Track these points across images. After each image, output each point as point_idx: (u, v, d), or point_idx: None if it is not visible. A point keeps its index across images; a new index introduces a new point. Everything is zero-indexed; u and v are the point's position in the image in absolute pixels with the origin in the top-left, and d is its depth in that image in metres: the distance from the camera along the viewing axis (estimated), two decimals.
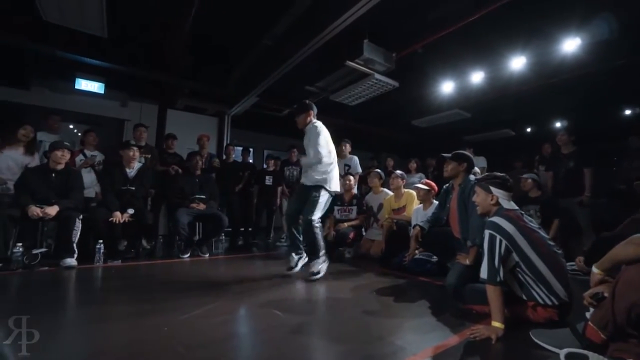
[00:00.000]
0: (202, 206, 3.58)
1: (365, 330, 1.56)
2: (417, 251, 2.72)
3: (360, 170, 4.53)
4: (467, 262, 1.98)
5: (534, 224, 1.65)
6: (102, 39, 3.48)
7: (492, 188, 1.73)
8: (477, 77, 4.38)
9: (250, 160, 5.38)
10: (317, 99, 5.24)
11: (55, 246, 2.95)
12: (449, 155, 2.40)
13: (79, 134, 4.63)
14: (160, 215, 4.22)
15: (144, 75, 4.41)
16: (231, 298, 2.03)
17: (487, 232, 1.57)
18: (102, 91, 4.56)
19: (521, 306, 1.61)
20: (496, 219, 1.58)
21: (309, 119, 2.77)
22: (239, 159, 4.98)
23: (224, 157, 4.82)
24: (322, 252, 2.59)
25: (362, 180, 4.81)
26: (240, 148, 5.28)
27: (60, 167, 2.93)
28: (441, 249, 2.56)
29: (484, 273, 1.53)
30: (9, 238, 2.64)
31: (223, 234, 4.32)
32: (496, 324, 1.44)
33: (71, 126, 5.57)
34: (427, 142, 7.21)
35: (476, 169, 2.81)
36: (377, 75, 4.07)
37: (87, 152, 3.70)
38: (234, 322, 1.70)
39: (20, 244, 2.63)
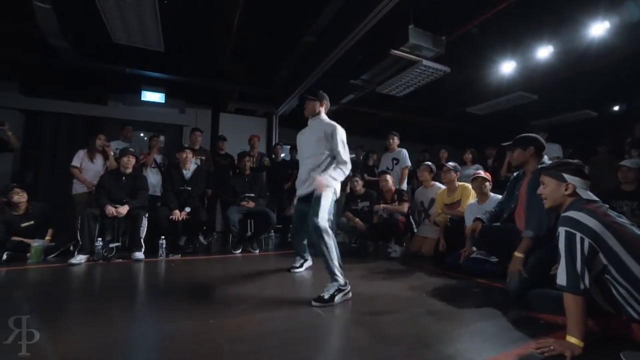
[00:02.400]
0: (251, 204, 3.73)
1: (412, 334, 1.45)
2: (474, 249, 2.48)
3: (409, 163, 4.31)
4: (517, 254, 1.77)
5: (624, 219, 1.33)
6: (160, 53, 3.81)
7: (565, 175, 1.44)
8: (544, 52, 3.84)
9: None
10: (363, 93, 5.13)
11: (127, 241, 3.32)
12: (509, 143, 2.13)
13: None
14: (216, 213, 4.52)
15: (197, 82, 4.74)
16: (276, 294, 2.06)
17: (562, 230, 1.29)
18: (163, 100, 5.03)
19: (613, 319, 1.31)
20: (573, 214, 1.30)
21: (319, 109, 2.38)
22: (288, 158, 5.09)
23: (273, 156, 4.96)
24: (340, 272, 1.93)
25: (413, 175, 4.57)
26: (289, 147, 5.39)
27: (129, 171, 3.30)
28: (501, 248, 2.28)
29: (561, 279, 1.26)
30: (92, 234, 3.04)
31: (273, 231, 4.47)
32: (573, 339, 1.18)
33: (142, 134, 6.24)
34: (486, 130, 6.58)
35: (545, 158, 2.47)
36: (425, 62, 3.80)
37: (156, 156, 4.11)
38: (277, 318, 1.71)
39: (101, 239, 3.02)
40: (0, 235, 2.79)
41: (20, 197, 3.08)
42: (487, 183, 2.85)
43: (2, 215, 3.04)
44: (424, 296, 2.02)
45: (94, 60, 4.12)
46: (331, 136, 2.21)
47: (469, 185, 3.11)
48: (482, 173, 2.93)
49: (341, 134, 2.23)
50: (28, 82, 4.78)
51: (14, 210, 3.09)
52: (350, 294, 1.92)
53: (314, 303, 1.79)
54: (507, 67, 4.24)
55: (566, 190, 1.44)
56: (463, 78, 4.67)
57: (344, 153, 2.20)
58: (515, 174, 2.30)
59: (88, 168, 3.69)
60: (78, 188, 3.66)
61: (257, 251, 3.64)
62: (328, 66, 4.00)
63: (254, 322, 1.57)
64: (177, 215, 3.30)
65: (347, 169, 2.20)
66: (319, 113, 2.36)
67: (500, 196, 2.52)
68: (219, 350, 1.26)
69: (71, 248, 3.13)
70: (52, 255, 3.08)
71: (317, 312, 1.70)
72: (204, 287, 2.24)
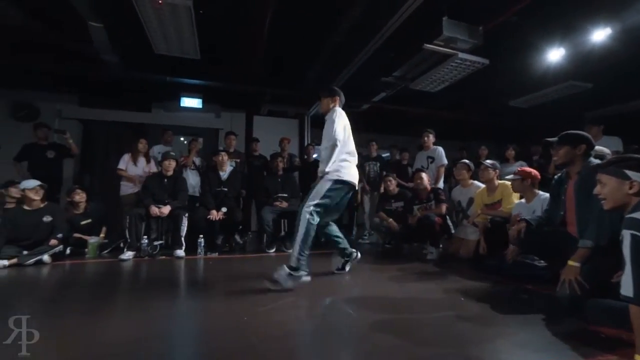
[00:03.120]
0: (284, 204, 3.79)
1: (448, 340, 1.37)
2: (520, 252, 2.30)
3: (445, 161, 4.12)
4: (572, 263, 1.61)
5: None
6: (196, 61, 4.00)
7: (628, 172, 1.28)
8: (599, 35, 3.48)
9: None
10: (396, 90, 5.00)
11: (169, 239, 3.54)
12: (555, 139, 1.95)
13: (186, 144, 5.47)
14: (252, 213, 4.66)
15: (231, 87, 4.93)
16: (308, 293, 2.06)
17: (627, 234, 1.14)
18: (200, 106, 5.30)
19: None
20: None
21: (332, 105, 2.46)
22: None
23: (305, 156, 5.01)
24: (304, 257, 2.10)
25: (450, 173, 4.38)
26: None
27: (170, 173, 3.52)
28: (551, 252, 2.09)
29: (627, 289, 1.10)
30: (139, 232, 3.28)
31: None
32: None
33: (182, 138, 6.62)
34: (531, 125, 6.10)
35: (604, 150, 2.23)
36: (461, 55, 3.61)
37: (195, 159, 4.33)
38: (308, 317, 1.72)
39: (146, 237, 3.25)
40: (65, 232, 3.11)
41: (80, 197, 3.45)
42: (526, 180, 2.63)
43: (67, 214, 3.39)
44: (461, 300, 1.91)
45: (139, 71, 4.44)
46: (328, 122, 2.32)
47: (510, 184, 2.91)
48: (516, 175, 2.69)
49: (335, 114, 2.31)
50: (85, 95, 5.28)
51: (75, 209, 3.46)
52: (304, 280, 2.08)
53: (267, 282, 2.03)
54: (555, 55, 3.90)
55: (630, 188, 1.27)
56: (504, 70, 4.38)
57: (332, 132, 2.24)
58: (556, 176, 2.10)
59: (131, 170, 3.98)
60: (125, 189, 3.97)
61: (290, 250, 3.68)
62: (358, 65, 3.96)
63: (286, 321, 1.58)
64: (214, 215, 3.45)
65: (333, 148, 2.24)
66: (331, 109, 2.42)
67: (548, 194, 2.32)
68: (250, 346, 1.29)
69: (121, 245, 3.40)
70: (105, 251, 3.37)
71: (348, 312, 1.68)
72: (238, 284, 2.31)
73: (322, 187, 2.24)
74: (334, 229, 2.59)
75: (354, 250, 2.63)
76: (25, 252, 2.82)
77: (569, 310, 1.55)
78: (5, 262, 2.68)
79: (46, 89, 5.00)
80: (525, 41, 3.79)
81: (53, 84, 4.92)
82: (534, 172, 2.66)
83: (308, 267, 2.15)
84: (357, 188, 2.45)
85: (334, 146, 2.24)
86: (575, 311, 1.50)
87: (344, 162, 2.32)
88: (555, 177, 2.12)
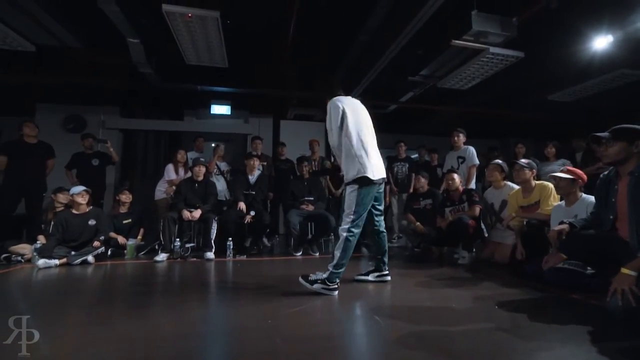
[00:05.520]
0: (310, 207, 3.80)
1: (482, 352, 1.28)
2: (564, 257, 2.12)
3: (477, 161, 3.93)
4: (627, 271, 1.42)
5: None
6: (225, 69, 4.15)
7: None
8: None
9: None
10: (424, 89, 4.86)
11: (200, 241, 3.68)
12: (606, 134, 1.77)
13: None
14: (279, 217, 4.73)
15: (258, 93, 5.08)
16: (334, 297, 2.04)
17: None
18: (229, 112, 5.49)
19: None
20: None
21: (328, 101, 2.21)
22: None
23: (332, 159, 5.00)
24: (340, 272, 2.04)
25: (484, 173, 4.17)
26: None
27: (200, 178, 3.68)
28: (599, 258, 1.90)
29: None
30: (172, 235, 3.44)
31: (332, 234, 4.48)
32: None
33: (212, 144, 6.89)
34: (574, 119, 5.63)
35: None
36: (492, 49, 3.43)
37: (218, 163, 4.49)
38: (333, 321, 1.70)
39: (179, 240, 3.39)
40: (106, 234, 3.37)
41: (126, 197, 3.80)
42: (576, 182, 2.41)
43: (112, 211, 3.73)
44: (496, 309, 1.79)
45: (172, 82, 4.70)
46: None
47: (549, 184, 2.69)
48: (565, 174, 2.43)
49: (328, 108, 2.17)
50: (125, 106, 5.68)
51: (120, 208, 3.79)
52: (333, 294, 2.02)
53: (302, 279, 2.07)
54: (602, 42, 3.57)
55: None
56: (541, 62, 4.10)
57: (329, 134, 2.15)
58: (602, 175, 1.91)
59: (173, 178, 4.21)
60: (159, 194, 4.21)
61: (317, 254, 3.68)
62: (384, 64, 3.89)
63: (310, 324, 1.58)
64: (243, 207, 3.61)
65: (335, 150, 2.17)
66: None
67: (592, 197, 2.12)
68: (274, 348, 1.29)
69: (156, 247, 3.58)
70: (142, 253, 3.58)
71: (376, 319, 1.63)
72: (265, 287, 2.34)
73: (350, 199, 2.07)
74: (384, 242, 2.37)
75: (388, 272, 2.39)
76: (73, 253, 3.06)
77: (623, 325, 1.39)
78: (57, 262, 2.93)
79: (92, 102, 5.44)
80: (566, 30, 3.52)
81: (97, 98, 5.34)
82: (582, 174, 2.45)
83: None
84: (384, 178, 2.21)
85: (334, 149, 2.15)
86: (629, 326, 1.34)
87: (359, 157, 2.07)
88: (601, 176, 1.93)
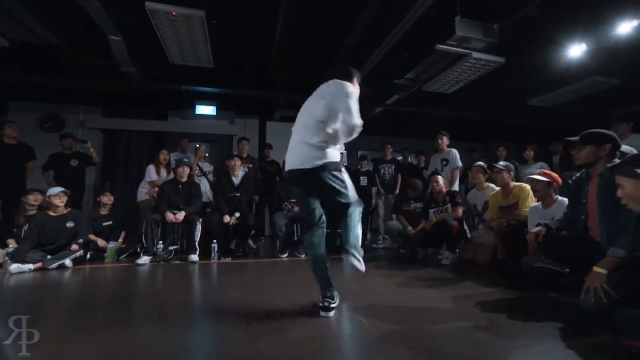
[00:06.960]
0: (296, 208, 3.78)
1: (463, 351, 1.31)
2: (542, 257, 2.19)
3: (460, 164, 4.02)
4: (598, 270, 1.49)
5: None
6: (210, 69, 4.09)
7: None
8: (626, 28, 3.30)
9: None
10: (409, 92, 4.93)
11: (184, 244, 3.60)
12: (577, 138, 1.85)
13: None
14: (265, 218, 4.69)
15: (244, 94, 5.01)
16: (319, 298, 2.04)
17: None
18: (214, 113, 5.41)
19: None
20: None
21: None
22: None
23: None
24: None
25: (467, 175, 4.27)
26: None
27: (184, 179, 3.60)
28: (574, 258, 1.97)
29: None
30: (155, 237, 3.35)
31: None
32: None
33: (197, 145, 6.78)
34: (553, 123, 5.85)
35: (631, 150, 2.10)
36: (475, 54, 3.52)
37: (200, 164, 4.44)
38: (318, 323, 1.69)
39: (162, 242, 3.31)
40: (84, 231, 3.25)
41: (108, 199, 3.67)
42: (552, 185, 2.50)
43: (92, 213, 3.62)
44: (477, 308, 1.83)
45: (156, 82, 4.59)
46: None
47: (527, 186, 2.79)
48: (540, 176, 2.54)
49: None
50: (107, 105, 5.51)
51: (101, 210, 3.65)
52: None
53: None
54: (576, 51, 3.73)
55: None
56: (521, 68, 4.24)
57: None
58: (574, 177, 1.99)
59: (155, 180, 4.10)
60: (141, 195, 4.10)
61: (303, 255, 3.67)
62: (370, 67, 3.92)
63: (296, 327, 1.57)
64: (228, 220, 3.49)
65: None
66: None
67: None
68: (259, 353, 1.28)
69: (138, 249, 3.48)
70: (123, 256, 3.47)
71: (360, 320, 1.64)
72: (250, 289, 2.31)
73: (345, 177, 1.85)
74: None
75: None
76: (48, 257, 2.94)
77: (596, 321, 1.45)
78: (31, 266, 2.80)
79: (70, 101, 5.25)
80: (545, 37, 3.65)
81: (77, 96, 5.16)
82: (557, 177, 2.54)
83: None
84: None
85: (356, 130, 1.83)
86: (604, 322, 1.40)
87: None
88: (574, 177, 2.01)
